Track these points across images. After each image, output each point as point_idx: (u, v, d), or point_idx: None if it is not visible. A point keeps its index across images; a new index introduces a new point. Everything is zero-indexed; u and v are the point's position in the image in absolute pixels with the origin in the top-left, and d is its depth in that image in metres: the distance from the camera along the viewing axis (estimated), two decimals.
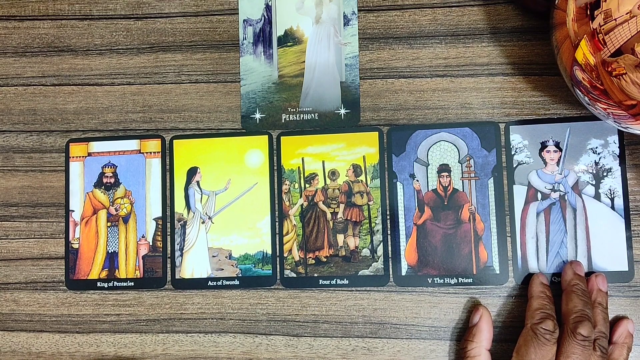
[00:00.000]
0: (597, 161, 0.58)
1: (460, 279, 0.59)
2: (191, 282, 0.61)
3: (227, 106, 0.63)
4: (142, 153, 0.63)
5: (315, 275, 0.60)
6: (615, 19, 0.43)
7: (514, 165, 0.59)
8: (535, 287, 0.56)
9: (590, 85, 0.48)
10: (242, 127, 0.63)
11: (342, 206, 0.61)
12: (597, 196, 0.58)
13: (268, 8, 0.63)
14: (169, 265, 0.62)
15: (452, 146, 0.60)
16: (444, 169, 0.60)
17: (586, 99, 0.50)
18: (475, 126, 0.60)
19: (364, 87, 0.62)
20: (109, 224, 0.63)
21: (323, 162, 0.61)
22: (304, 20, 0.63)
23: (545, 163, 0.59)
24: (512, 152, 0.59)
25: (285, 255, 0.61)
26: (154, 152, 0.63)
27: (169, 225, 0.62)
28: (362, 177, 0.61)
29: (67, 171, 0.64)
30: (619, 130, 0.58)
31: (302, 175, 0.62)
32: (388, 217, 0.60)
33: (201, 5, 0.64)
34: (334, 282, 0.60)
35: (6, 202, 0.64)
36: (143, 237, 0.62)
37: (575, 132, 0.59)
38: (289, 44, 0.63)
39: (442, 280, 0.59)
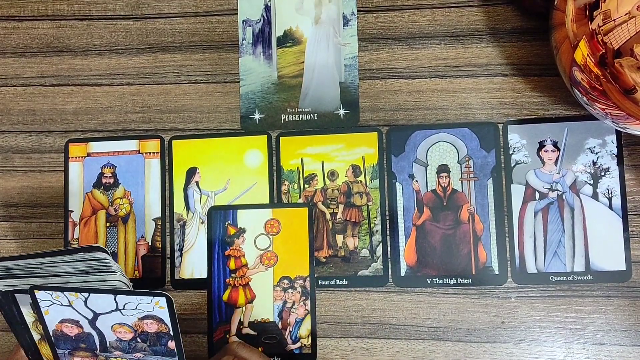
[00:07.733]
0: (595, 161, 0.59)
1: (459, 280, 0.59)
2: (190, 282, 0.61)
3: (227, 106, 0.63)
4: (142, 153, 0.63)
5: (314, 275, 0.60)
6: (614, 20, 0.44)
7: (512, 165, 0.59)
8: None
9: (589, 85, 0.48)
10: (242, 128, 0.63)
11: (341, 207, 0.61)
12: (594, 196, 0.58)
13: (267, 8, 0.63)
14: (168, 266, 0.62)
15: (451, 147, 0.60)
16: (443, 169, 0.60)
17: (585, 99, 0.50)
18: (474, 127, 0.60)
19: (363, 88, 0.62)
20: (108, 224, 0.63)
21: (322, 162, 0.62)
22: (303, 21, 0.63)
23: (543, 162, 0.59)
24: (510, 152, 0.60)
25: None
26: (153, 153, 0.63)
27: (168, 225, 0.62)
28: (362, 178, 0.61)
29: (66, 171, 0.64)
30: (616, 130, 0.58)
31: (301, 175, 0.62)
32: (387, 218, 0.60)
33: (200, 5, 0.64)
34: (333, 282, 0.60)
35: (6, 202, 0.64)
36: (142, 237, 0.62)
37: (573, 132, 0.59)
38: (288, 44, 0.63)
39: (441, 281, 0.59)
